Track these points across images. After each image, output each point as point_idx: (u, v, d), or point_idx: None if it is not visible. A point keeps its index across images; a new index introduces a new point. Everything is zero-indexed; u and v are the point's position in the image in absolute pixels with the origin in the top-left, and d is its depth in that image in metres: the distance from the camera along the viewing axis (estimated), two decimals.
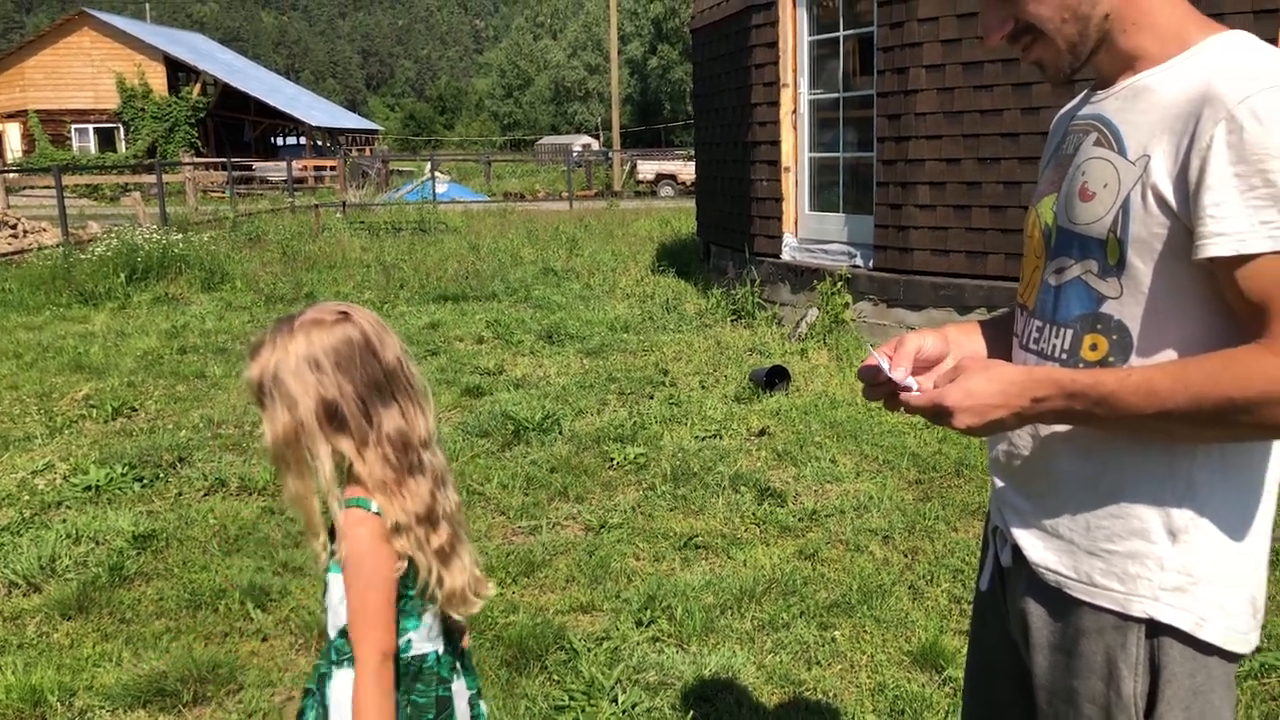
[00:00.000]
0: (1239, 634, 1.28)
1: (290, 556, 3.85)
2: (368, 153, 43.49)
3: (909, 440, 5.18)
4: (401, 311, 9.39)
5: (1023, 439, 1.38)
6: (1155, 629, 1.27)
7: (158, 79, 36.49)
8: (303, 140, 43.89)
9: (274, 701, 2.95)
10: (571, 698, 2.90)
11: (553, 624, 3.32)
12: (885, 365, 1.37)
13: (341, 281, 10.99)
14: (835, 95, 7.94)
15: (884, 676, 3.00)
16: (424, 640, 1.62)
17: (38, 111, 35.25)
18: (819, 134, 8.14)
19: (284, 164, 30.02)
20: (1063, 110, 1.51)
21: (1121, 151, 1.26)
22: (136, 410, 6.07)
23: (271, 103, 39.38)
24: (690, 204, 18.81)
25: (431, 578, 1.59)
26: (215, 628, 3.37)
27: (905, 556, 3.86)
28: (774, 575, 3.68)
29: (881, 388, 1.38)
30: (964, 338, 1.52)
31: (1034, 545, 1.38)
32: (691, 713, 2.83)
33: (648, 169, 33.80)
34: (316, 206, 18.57)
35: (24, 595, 3.62)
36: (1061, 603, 1.34)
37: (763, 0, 8.15)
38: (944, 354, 1.46)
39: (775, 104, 8.15)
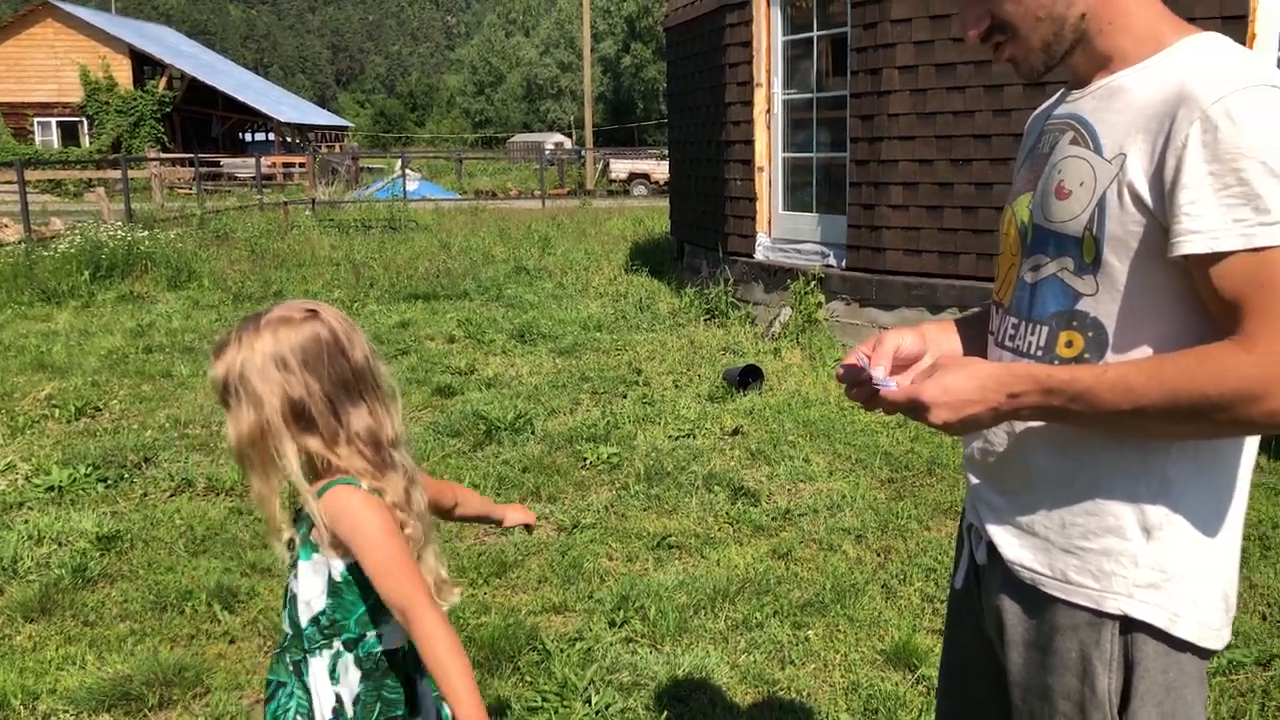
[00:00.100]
0: (1212, 630, 1.29)
1: (259, 557, 3.80)
2: (337, 149, 43.14)
3: (882, 439, 5.20)
4: (371, 310, 9.31)
5: (998, 436, 1.38)
6: (1129, 625, 1.27)
7: (123, 72, 35.98)
8: (271, 136, 43.45)
9: (242, 705, 2.90)
10: (544, 699, 2.88)
11: (525, 625, 3.30)
12: (866, 364, 1.37)
13: (311, 280, 10.88)
14: (809, 95, 7.97)
15: (857, 675, 3.01)
16: (394, 634, 1.62)
17: None
18: (792, 134, 8.17)
19: (252, 160, 29.71)
20: (1038, 110, 1.52)
21: (1098, 150, 1.27)
22: (100, 410, 5.98)
23: (240, 98, 38.95)
24: (663, 203, 18.82)
25: (420, 561, 1.59)
26: (181, 630, 3.32)
27: (878, 555, 3.88)
28: (747, 575, 3.68)
29: (864, 388, 1.38)
30: (941, 336, 1.53)
31: (1009, 542, 1.38)
32: (665, 713, 2.82)
33: (621, 168, 33.77)
34: (285, 204, 18.39)
35: None
36: (1036, 600, 1.35)
37: (737, 0, 8.15)
38: (922, 352, 1.47)
39: (749, 103, 8.16)
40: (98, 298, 9.79)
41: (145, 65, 37.22)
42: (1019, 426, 1.34)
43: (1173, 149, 1.17)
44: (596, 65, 58.63)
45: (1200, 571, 1.27)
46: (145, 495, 4.55)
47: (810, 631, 3.28)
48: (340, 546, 1.56)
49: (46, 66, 35.36)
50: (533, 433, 5.38)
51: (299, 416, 1.53)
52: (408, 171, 28.02)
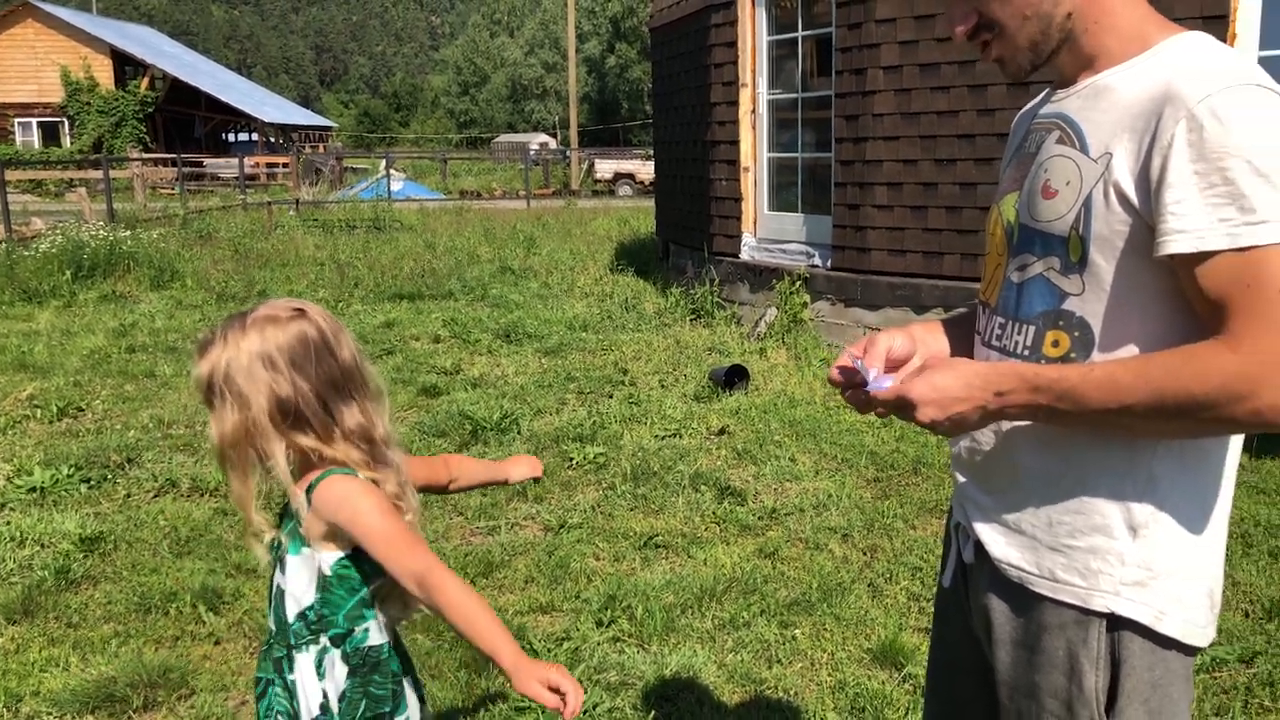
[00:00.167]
0: (1197, 627, 1.29)
1: (244, 558, 3.78)
2: (321, 150, 42.94)
3: (867, 439, 5.22)
4: (356, 310, 9.27)
5: (985, 435, 1.39)
6: (1116, 623, 1.28)
7: (104, 72, 35.71)
8: (255, 136, 43.22)
9: (227, 706, 2.89)
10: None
11: (512, 625, 3.29)
12: (859, 366, 1.38)
13: (295, 280, 10.83)
14: (794, 96, 7.99)
15: (844, 674, 3.01)
16: (379, 632, 1.62)
17: None
18: (777, 134, 8.18)
19: (236, 160, 29.55)
20: (1023, 109, 1.53)
21: (1084, 149, 1.27)
22: (83, 410, 5.93)
23: (223, 98, 38.74)
24: (648, 203, 18.83)
25: None
26: (166, 631, 3.30)
27: (864, 554, 3.89)
28: (734, 574, 3.68)
29: (859, 391, 1.39)
30: (929, 336, 1.53)
31: (996, 541, 1.38)
32: (653, 713, 2.82)
33: (605, 168, 33.75)
34: (269, 204, 18.29)
35: None
36: (1023, 598, 1.35)
37: (722, 0, 8.17)
38: (912, 353, 1.47)
39: (734, 104, 8.17)
40: (80, 297, 9.72)
41: (127, 65, 36.95)
42: (1006, 425, 1.35)
43: (1159, 148, 1.17)
44: (581, 65, 58.57)
45: (1186, 569, 1.28)
46: (129, 496, 4.52)
47: (797, 630, 3.28)
48: (332, 539, 1.56)
49: (27, 67, 35.06)
50: (519, 433, 5.38)
51: (287, 415, 1.52)
52: (392, 172, 27.92)
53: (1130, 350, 1.24)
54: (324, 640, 1.59)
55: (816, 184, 7.75)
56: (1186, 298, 1.20)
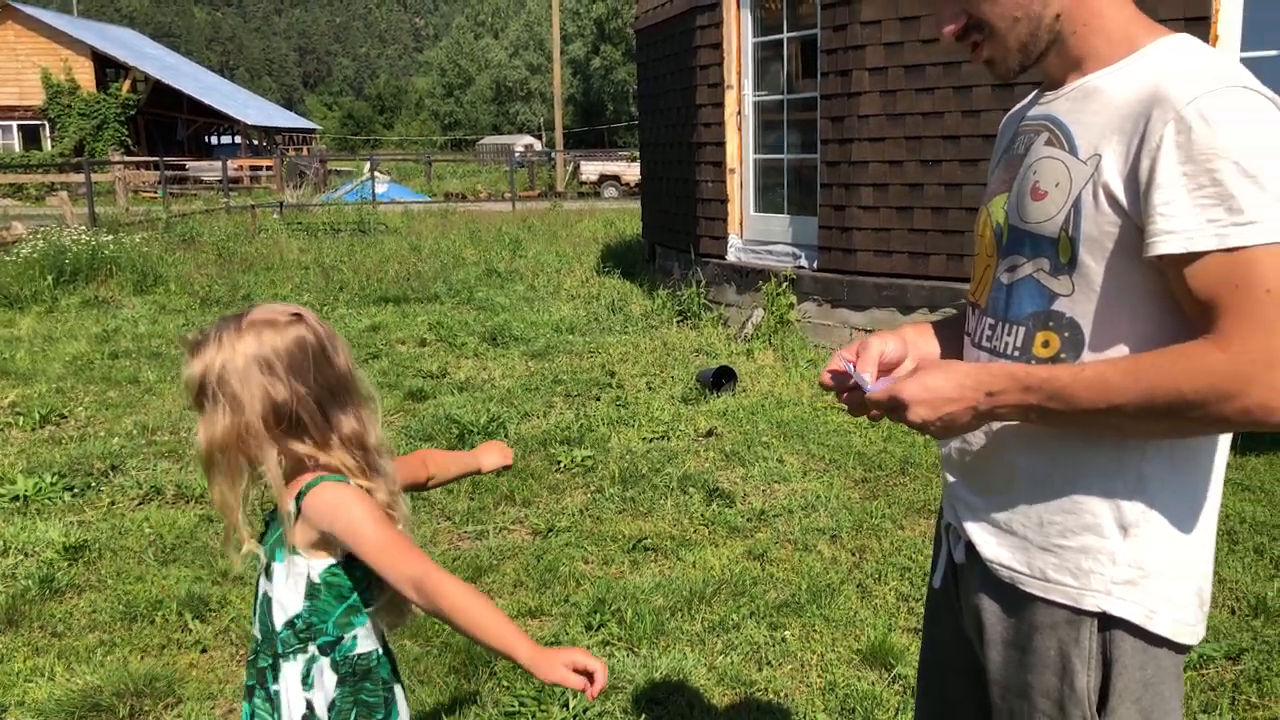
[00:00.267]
0: (1187, 626, 1.30)
1: (230, 565, 3.75)
2: (305, 152, 42.76)
3: (855, 439, 5.22)
4: (341, 314, 9.23)
5: (976, 435, 1.39)
6: (1107, 622, 1.28)
7: (85, 75, 35.45)
8: (238, 139, 43.00)
9: (214, 715, 2.87)
10: (522, 703, 2.87)
11: None
12: (850, 368, 1.38)
13: (279, 283, 10.78)
14: (779, 97, 8.00)
15: (834, 675, 3.01)
16: (368, 638, 1.61)
17: None
18: (763, 135, 8.20)
19: (219, 163, 29.41)
20: (1011, 111, 1.53)
21: (1073, 151, 1.28)
22: (66, 417, 5.88)
23: (205, 100, 38.52)
24: (634, 205, 18.83)
25: None
26: (152, 640, 3.27)
27: (853, 555, 3.89)
28: (723, 576, 3.68)
29: (854, 393, 1.39)
30: (920, 339, 1.54)
31: (987, 541, 1.39)
32: (643, 716, 2.81)
33: (591, 170, 33.74)
34: (253, 207, 18.20)
35: None
36: (1015, 598, 1.36)
37: (707, 2, 8.17)
38: (903, 355, 1.47)
39: (720, 105, 8.18)
40: (61, 303, 9.64)
41: (108, 68, 36.71)
42: (996, 426, 1.35)
43: (1147, 150, 1.18)
44: (566, 67, 58.54)
45: (1176, 568, 1.28)
46: (113, 504, 4.48)
47: (787, 632, 3.28)
48: (323, 547, 1.54)
49: (7, 69, 34.77)
50: (506, 436, 5.36)
51: (283, 421, 1.50)
52: (376, 174, 27.82)
53: (1120, 350, 1.25)
54: (312, 649, 1.57)
55: (802, 185, 7.77)
56: (1176, 298, 1.20)
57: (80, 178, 20.31)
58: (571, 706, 2.83)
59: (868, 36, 6.73)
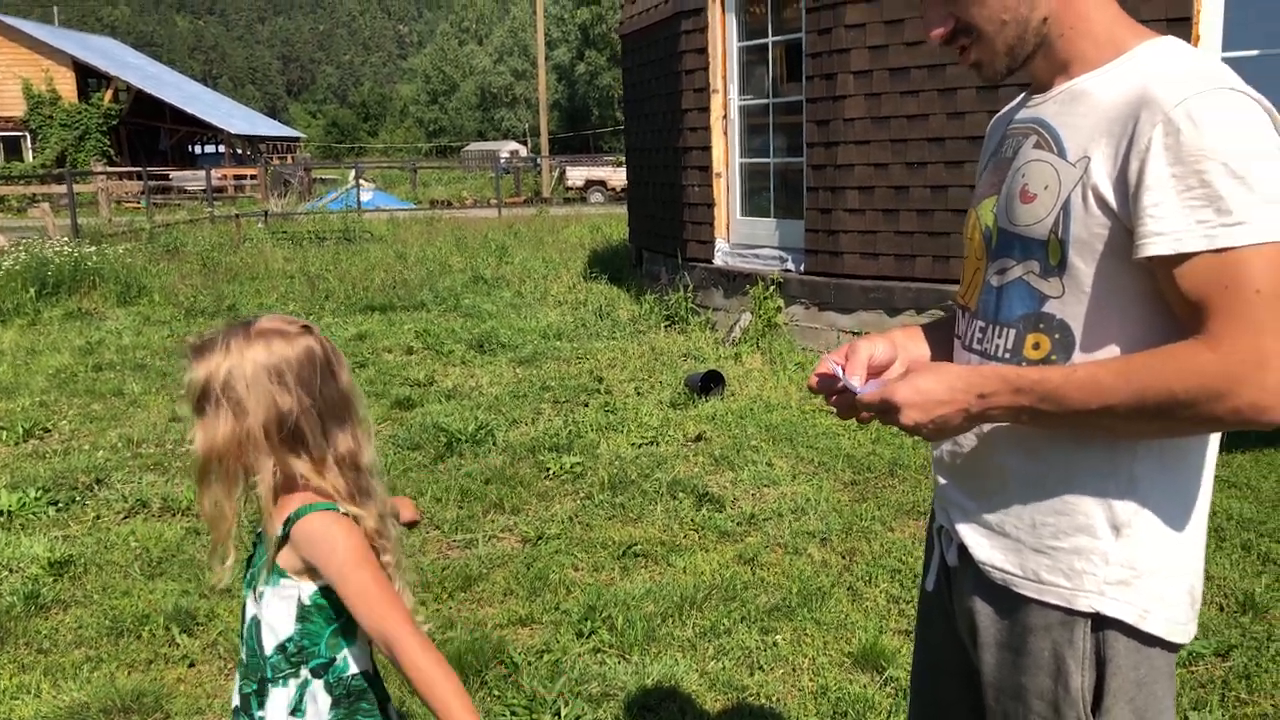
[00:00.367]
0: (1179, 624, 1.30)
1: (216, 578, 3.72)
2: (289, 161, 42.60)
3: (843, 442, 5.23)
4: (328, 323, 9.19)
5: (967, 437, 1.39)
6: (1101, 623, 1.28)
7: (66, 85, 35.27)
8: (222, 148, 42.80)
9: None
10: (513, 713, 2.85)
11: (491, 638, 3.26)
12: (839, 372, 1.38)
13: (265, 293, 10.73)
14: (765, 101, 8.01)
15: (826, 679, 3.01)
16: (360, 658, 1.59)
17: None
18: (749, 139, 8.21)
19: (202, 173, 29.26)
20: (999, 114, 1.53)
21: (1061, 154, 1.28)
22: (49, 431, 5.83)
23: (188, 110, 38.34)
24: (621, 210, 18.84)
25: (395, 588, 1.55)
26: (139, 655, 3.24)
27: (843, 558, 3.89)
28: (714, 581, 3.67)
29: (844, 396, 1.39)
30: (910, 342, 1.54)
31: (980, 544, 1.38)
32: None
33: (577, 175, 33.75)
34: (237, 216, 18.13)
35: None
36: (1009, 600, 1.35)
37: (692, 6, 8.18)
38: (893, 358, 1.47)
39: (706, 110, 8.19)
40: (44, 315, 9.57)
41: (90, 78, 36.51)
42: (987, 428, 1.35)
43: (1136, 152, 1.18)
44: (551, 73, 58.55)
45: (1168, 567, 1.29)
46: (98, 518, 4.44)
47: (778, 636, 3.28)
48: (309, 573, 1.52)
49: None
50: (494, 444, 5.34)
51: (284, 432, 1.48)
52: (361, 182, 27.76)
53: (1111, 351, 1.25)
54: (304, 672, 1.54)
55: (788, 189, 7.78)
56: (1166, 300, 1.21)
57: (62, 189, 20.18)
58: (563, 715, 2.82)
59: (852, 40, 6.75)
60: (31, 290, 9.93)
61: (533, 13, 44.74)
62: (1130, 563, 1.27)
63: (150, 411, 6.18)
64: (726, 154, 8.21)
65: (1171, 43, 1.27)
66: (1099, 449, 1.27)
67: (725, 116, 8.15)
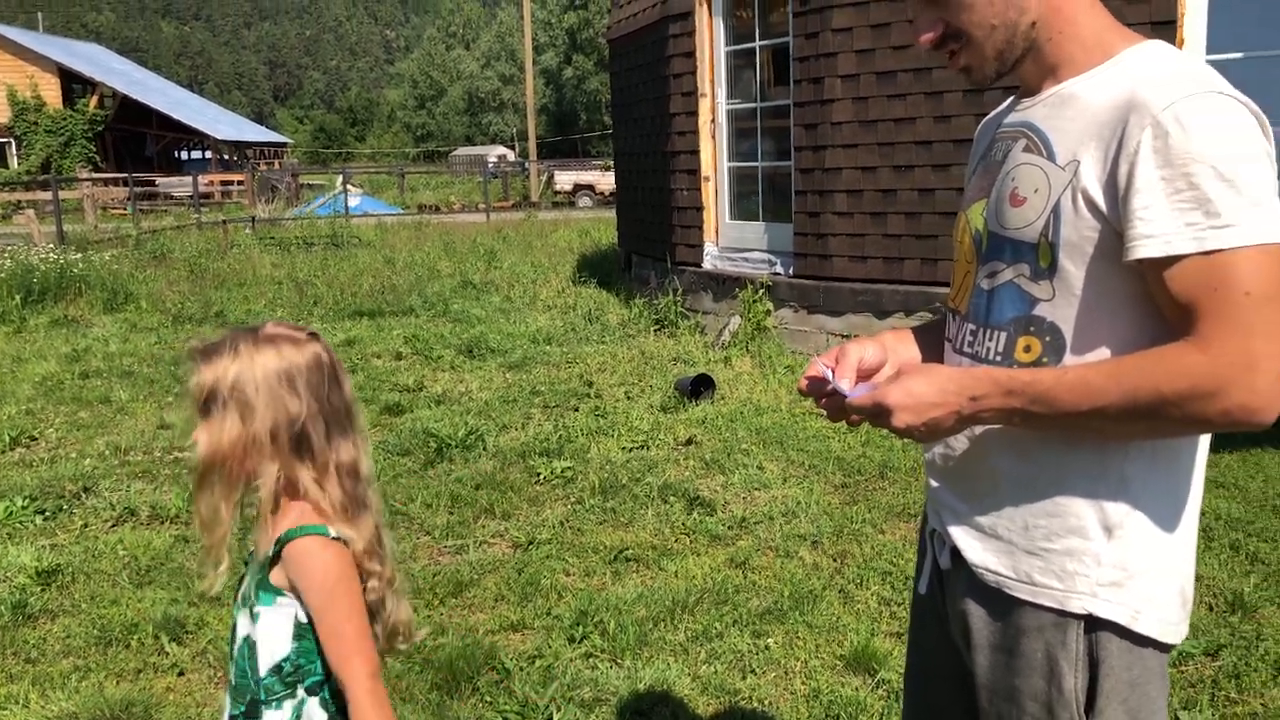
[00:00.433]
0: (1171, 625, 1.31)
1: (205, 585, 3.70)
2: (277, 166, 42.50)
3: (834, 445, 5.24)
4: (316, 329, 9.15)
5: (959, 440, 1.40)
6: (1093, 624, 1.29)
7: (51, 91, 35.11)
8: (208, 154, 42.67)
9: None
10: (505, 719, 2.84)
11: (483, 644, 3.25)
12: (830, 376, 1.38)
13: (253, 299, 10.69)
14: (752, 105, 8.03)
15: (818, 682, 3.01)
16: None
17: None
18: (737, 143, 8.22)
19: (189, 179, 29.15)
20: (988, 117, 1.54)
21: (1051, 157, 1.28)
22: (36, 439, 5.79)
23: (174, 115, 38.24)
24: (609, 214, 18.84)
25: (387, 608, 1.55)
26: (128, 664, 3.22)
27: (834, 561, 3.89)
28: (705, 585, 3.67)
29: (834, 399, 1.39)
30: (900, 345, 1.54)
31: (972, 546, 1.39)
32: None
33: (565, 179, 33.73)
34: (224, 222, 18.07)
35: None
36: (1002, 603, 1.36)
37: (679, 11, 8.20)
38: (883, 361, 1.48)
39: (694, 114, 8.20)
40: (30, 323, 9.51)
41: (75, 84, 36.37)
42: (979, 430, 1.35)
43: (1125, 155, 1.19)
44: (538, 77, 58.53)
45: (1159, 568, 1.29)
46: (86, 526, 4.41)
47: (770, 640, 3.28)
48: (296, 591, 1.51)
49: None
50: (484, 449, 5.33)
51: (291, 438, 1.48)
52: (349, 187, 27.66)
53: (1102, 354, 1.26)
54: (300, 692, 1.51)
55: (777, 192, 7.79)
56: (1156, 302, 1.21)
57: (47, 195, 20.08)
58: None
59: (839, 44, 6.77)
60: (17, 297, 9.89)
61: (520, 17, 44.77)
62: (1122, 564, 1.28)
63: (138, 419, 6.14)
64: (715, 158, 8.22)
65: (1159, 46, 1.28)
66: (1090, 451, 1.27)
67: (713, 120, 8.16)
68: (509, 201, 31.66)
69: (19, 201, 25.79)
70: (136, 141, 39.88)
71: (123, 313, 10.12)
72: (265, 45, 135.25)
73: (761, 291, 7.42)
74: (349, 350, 8.13)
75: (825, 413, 1.43)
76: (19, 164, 34.36)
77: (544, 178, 35.18)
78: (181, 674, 3.17)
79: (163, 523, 4.43)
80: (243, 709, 1.52)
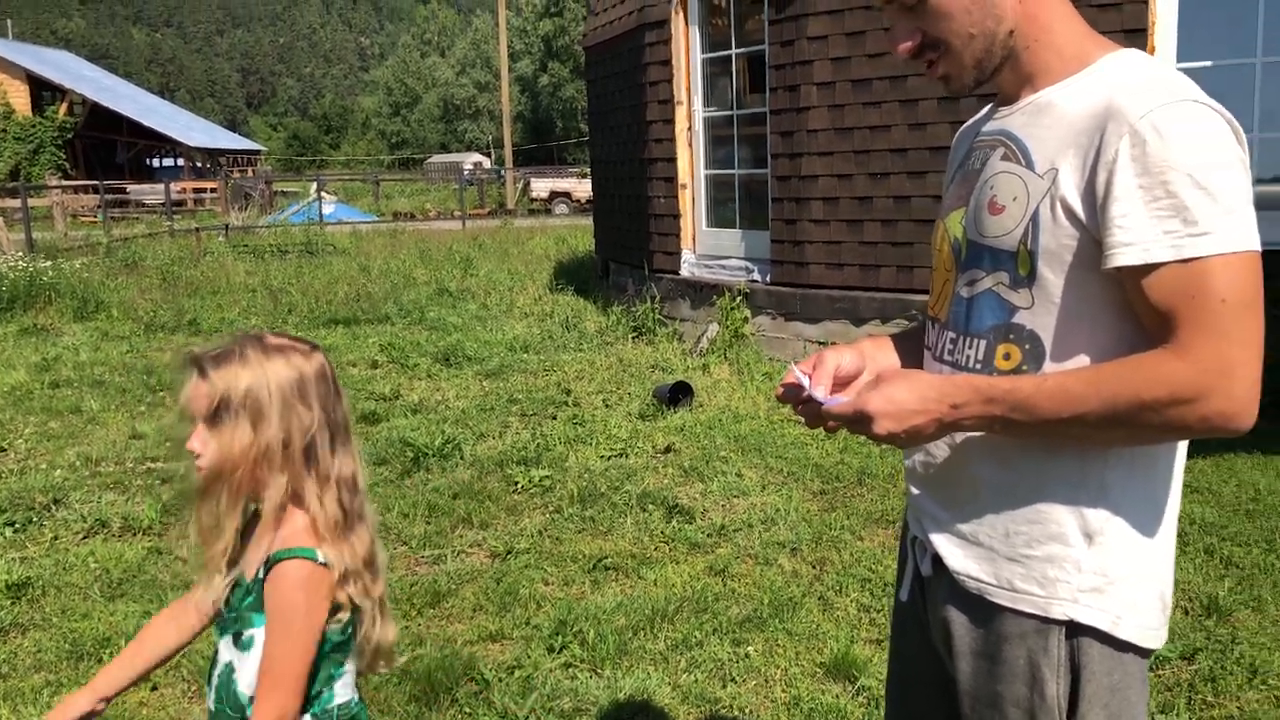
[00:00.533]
0: (1151, 630, 1.31)
1: (180, 599, 3.65)
2: (250, 174, 42.19)
3: (812, 451, 5.25)
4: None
5: (939, 447, 1.40)
6: (1075, 630, 1.29)
7: (20, 98, 34.72)
8: (181, 161, 42.31)
9: None
10: None
11: (462, 655, 3.23)
12: (806, 383, 1.38)
13: (226, 307, 10.59)
14: (729, 113, 8.05)
15: (798, 690, 3.01)
16: (346, 688, 1.55)
17: None
18: (713, 151, 8.25)
19: (161, 186, 28.88)
20: (965, 125, 1.54)
21: (1029, 166, 1.29)
22: (5, 450, 5.70)
23: (146, 123, 37.89)
24: (586, 221, 18.85)
25: (375, 627, 1.53)
26: None
27: (814, 568, 3.90)
28: (685, 593, 3.66)
29: (809, 405, 1.39)
30: (878, 352, 1.54)
31: (954, 553, 1.39)
32: None
33: (541, 187, 33.72)
34: (197, 230, 17.91)
35: None
36: (983, 609, 1.36)
37: (656, 19, 8.22)
38: (860, 369, 1.47)
39: (670, 121, 8.22)
40: None
41: (44, 91, 35.97)
42: (959, 437, 1.36)
43: (1103, 163, 1.20)
44: (514, 85, 58.52)
45: (1139, 573, 1.30)
46: (56, 539, 4.34)
47: (750, 648, 3.27)
48: None
49: None
50: (461, 458, 5.30)
51: (300, 449, 1.46)
52: (323, 194, 27.53)
53: (1081, 361, 1.26)
54: None
55: (753, 200, 7.82)
56: (1135, 309, 1.22)
57: (16, 203, 19.84)
58: None
59: (815, 52, 6.81)
60: None
61: (495, 25, 44.72)
62: (1102, 570, 1.28)
63: (109, 429, 6.06)
64: (691, 165, 8.24)
65: (1134, 55, 1.29)
66: (1070, 458, 1.28)
67: (690, 128, 8.18)
68: (485, 209, 31.58)
69: None
70: (107, 149, 39.48)
71: (94, 321, 10.00)
72: (238, 52, 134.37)
73: (739, 299, 7.44)
74: None
75: (803, 419, 1.43)
76: None
77: (520, 185, 35.13)
78: (154, 689, 3.12)
79: (135, 535, 4.37)
80: None
